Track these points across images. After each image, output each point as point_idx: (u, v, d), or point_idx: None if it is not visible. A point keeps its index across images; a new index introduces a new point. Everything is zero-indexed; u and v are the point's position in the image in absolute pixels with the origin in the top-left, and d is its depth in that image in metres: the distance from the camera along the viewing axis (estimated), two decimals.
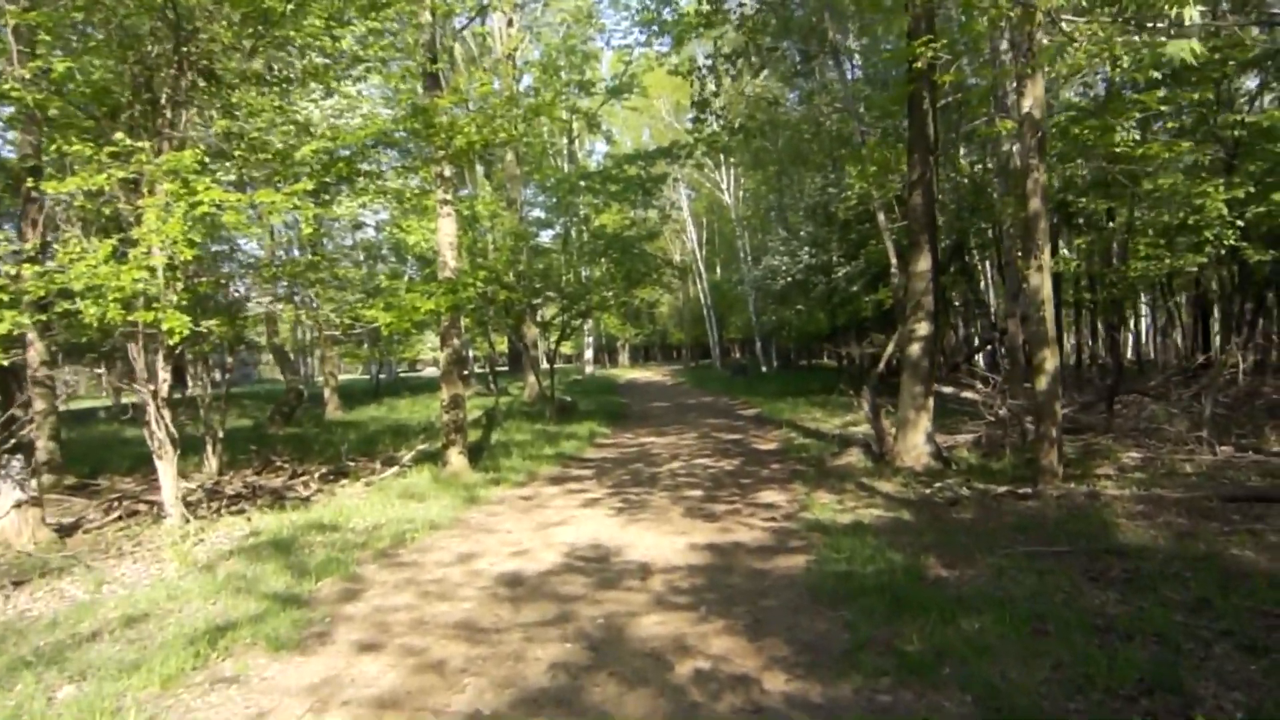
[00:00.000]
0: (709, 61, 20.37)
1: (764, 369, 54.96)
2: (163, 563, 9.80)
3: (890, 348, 17.60)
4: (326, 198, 15.49)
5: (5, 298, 9.40)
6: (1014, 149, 20.98)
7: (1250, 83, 22.98)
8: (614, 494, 13.71)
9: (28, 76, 10.42)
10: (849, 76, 28.02)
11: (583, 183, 27.81)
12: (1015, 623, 6.34)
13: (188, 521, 11.38)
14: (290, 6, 11.98)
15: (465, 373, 33.59)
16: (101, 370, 23.73)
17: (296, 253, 26.82)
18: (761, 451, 18.39)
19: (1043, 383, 11.64)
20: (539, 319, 31.04)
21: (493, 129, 15.04)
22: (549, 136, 38.90)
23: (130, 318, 10.17)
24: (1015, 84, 12.65)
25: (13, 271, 9.79)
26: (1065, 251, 24.99)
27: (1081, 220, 25.69)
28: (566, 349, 63.96)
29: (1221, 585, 6.95)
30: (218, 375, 18.31)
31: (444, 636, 6.96)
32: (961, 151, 26.42)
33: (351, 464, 17.06)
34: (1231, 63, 17.76)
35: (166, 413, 11.40)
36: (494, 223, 27.37)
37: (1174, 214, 18.99)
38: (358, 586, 8.62)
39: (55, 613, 7.90)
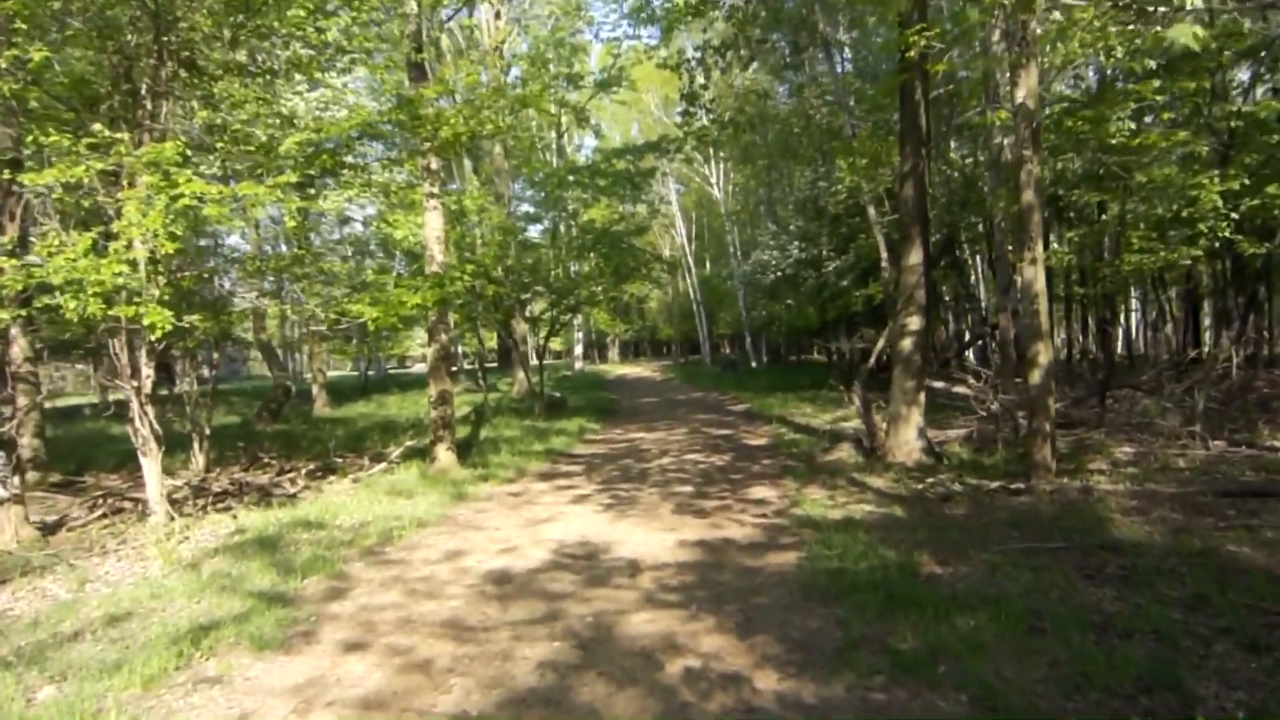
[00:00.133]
0: (698, 54, 20.28)
1: (754, 364, 54.92)
2: (147, 561, 9.71)
3: (881, 342, 17.57)
4: (312, 191, 15.37)
5: None
6: (1006, 142, 20.97)
7: (1243, 75, 22.91)
8: (603, 490, 13.63)
9: (4, 66, 10.29)
10: (839, 70, 27.95)
11: (571, 177, 27.68)
12: (1010, 620, 6.26)
13: (173, 519, 11.29)
14: None
15: (454, 369, 33.52)
16: (83, 366, 23.62)
17: (284, 248, 26.72)
18: (752, 447, 18.31)
19: (1036, 377, 11.55)
20: (528, 314, 30.96)
21: (479, 120, 14.93)
22: (537, 131, 38.87)
23: (111, 312, 10.05)
24: (1009, 74, 12.57)
25: None
26: (1056, 245, 24.90)
27: (1072, 214, 25.67)
28: (556, 345, 64.02)
29: (1219, 581, 6.89)
30: (205, 372, 18.18)
31: (431, 635, 6.88)
32: (952, 145, 26.37)
33: (339, 461, 17.00)
34: (1227, 52, 17.71)
35: (150, 409, 11.31)
36: (482, 217, 27.21)
37: (1167, 206, 18.90)
38: (344, 585, 8.53)
39: (37, 612, 7.82)
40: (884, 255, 23.72)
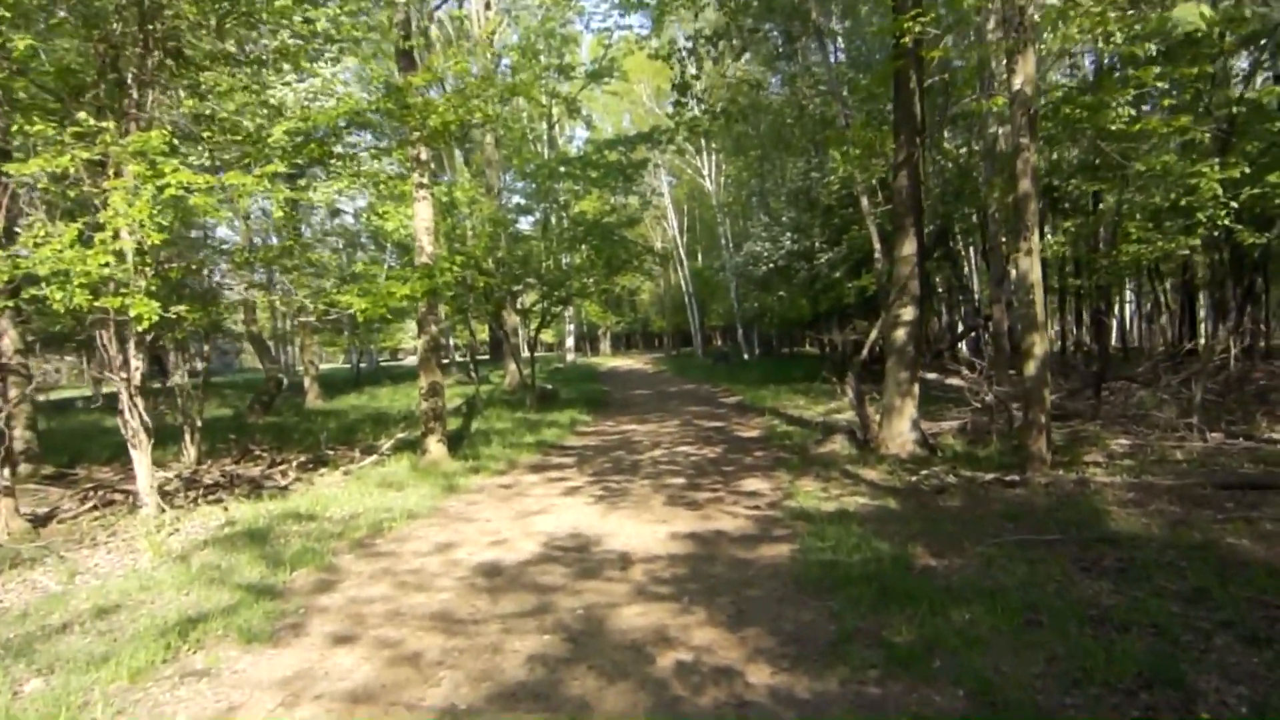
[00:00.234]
0: (690, 44, 20.20)
1: (746, 356, 55.05)
2: (137, 553, 9.69)
3: (874, 334, 17.48)
4: (303, 183, 15.28)
5: None
6: (1001, 131, 20.91)
7: (1242, 63, 22.85)
8: (595, 482, 13.59)
9: None
10: (833, 59, 27.85)
11: (563, 168, 27.63)
12: (1007, 613, 6.20)
13: (163, 511, 11.29)
14: None
15: (445, 360, 33.42)
16: (74, 358, 23.53)
17: (275, 240, 26.63)
18: (744, 439, 18.28)
19: (1031, 368, 11.50)
20: (519, 306, 30.89)
21: (468, 109, 14.84)
22: (528, 122, 38.77)
23: (98, 304, 9.99)
24: (1005, 61, 12.47)
25: None
26: (1051, 237, 24.83)
27: (1067, 205, 25.62)
28: (548, 337, 64.00)
29: (1219, 575, 6.83)
30: (198, 364, 18.13)
31: (420, 628, 6.82)
32: (946, 135, 26.31)
33: (330, 453, 16.93)
34: (1229, 37, 17.63)
35: (140, 401, 11.27)
36: (473, 209, 27.14)
37: (1165, 195, 18.78)
38: (333, 577, 8.48)
39: (26, 604, 7.80)
40: (877, 246, 23.65)
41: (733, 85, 27.46)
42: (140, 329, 10.37)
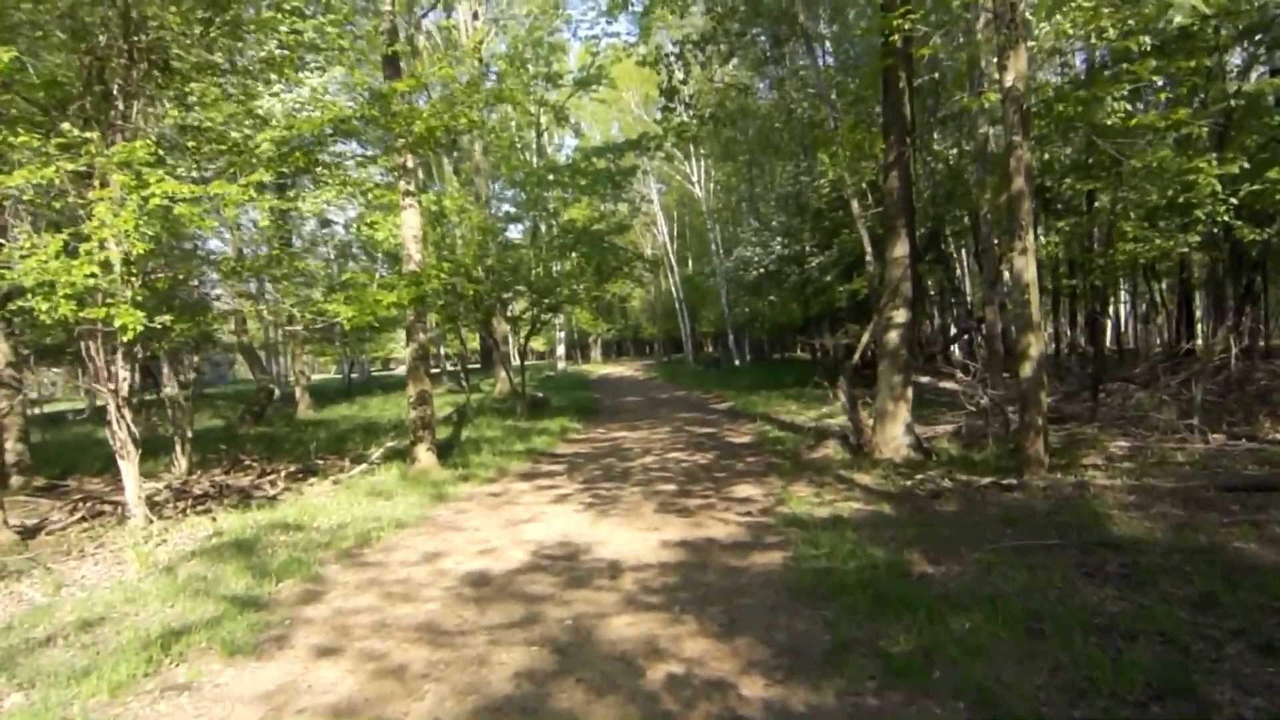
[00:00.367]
0: (677, 50, 20.15)
1: (737, 362, 54.96)
2: (124, 564, 9.71)
3: (866, 338, 17.43)
4: (292, 193, 15.21)
5: None
6: (992, 131, 20.85)
7: (1236, 59, 22.80)
8: (585, 489, 13.54)
9: None
10: (821, 63, 27.81)
11: (551, 176, 27.67)
12: (1007, 622, 6.10)
13: (151, 522, 11.36)
14: None
15: (433, 369, 33.36)
16: (59, 370, 23.55)
17: (264, 250, 26.60)
18: (736, 445, 18.21)
19: (1027, 369, 11.40)
20: (509, 314, 30.87)
21: (453, 115, 14.79)
22: (517, 130, 38.81)
23: (82, 314, 9.93)
24: (997, 58, 12.37)
25: None
26: (1044, 237, 24.77)
27: (1060, 205, 25.54)
28: (538, 345, 64.00)
29: (1227, 580, 6.69)
30: (190, 375, 18.09)
31: (406, 640, 6.76)
32: (936, 137, 26.25)
33: (320, 462, 16.92)
34: (1225, 31, 17.54)
35: (128, 412, 11.33)
36: (462, 218, 27.10)
37: (1162, 192, 18.66)
38: (319, 588, 8.44)
39: (11, 616, 7.83)
40: (868, 249, 23.58)
41: (721, 90, 27.47)
42: (126, 339, 10.36)
